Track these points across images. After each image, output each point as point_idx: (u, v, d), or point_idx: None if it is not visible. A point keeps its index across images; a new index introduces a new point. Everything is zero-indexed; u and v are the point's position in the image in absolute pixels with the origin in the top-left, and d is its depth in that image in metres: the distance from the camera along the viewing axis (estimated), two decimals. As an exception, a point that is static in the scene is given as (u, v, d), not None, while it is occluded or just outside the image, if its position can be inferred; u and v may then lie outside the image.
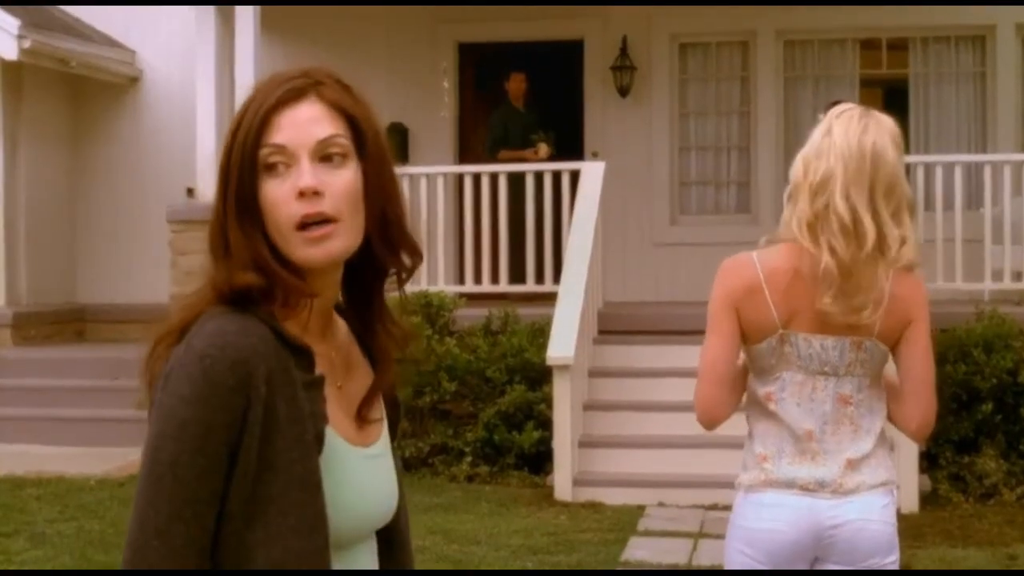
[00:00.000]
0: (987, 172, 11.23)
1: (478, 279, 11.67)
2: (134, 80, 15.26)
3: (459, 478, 10.08)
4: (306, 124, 2.00)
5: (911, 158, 11.79)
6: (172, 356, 2.00)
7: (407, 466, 9.72)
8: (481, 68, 14.80)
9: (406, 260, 2.13)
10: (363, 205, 2.04)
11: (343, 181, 2.01)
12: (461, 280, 11.89)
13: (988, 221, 11.15)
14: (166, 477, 1.92)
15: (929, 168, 11.39)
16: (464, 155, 14.29)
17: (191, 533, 1.92)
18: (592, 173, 11.29)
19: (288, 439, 1.95)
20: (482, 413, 10.22)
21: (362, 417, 2.12)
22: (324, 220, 1.98)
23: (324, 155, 2.01)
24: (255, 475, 1.94)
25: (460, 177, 12.19)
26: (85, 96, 15.22)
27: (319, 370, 2.04)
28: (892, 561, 3.52)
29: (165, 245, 12.73)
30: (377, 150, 2.06)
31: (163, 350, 2.04)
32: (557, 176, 11.68)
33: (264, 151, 2.00)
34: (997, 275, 11.11)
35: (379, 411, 2.18)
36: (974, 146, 13.70)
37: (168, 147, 14.85)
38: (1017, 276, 11.06)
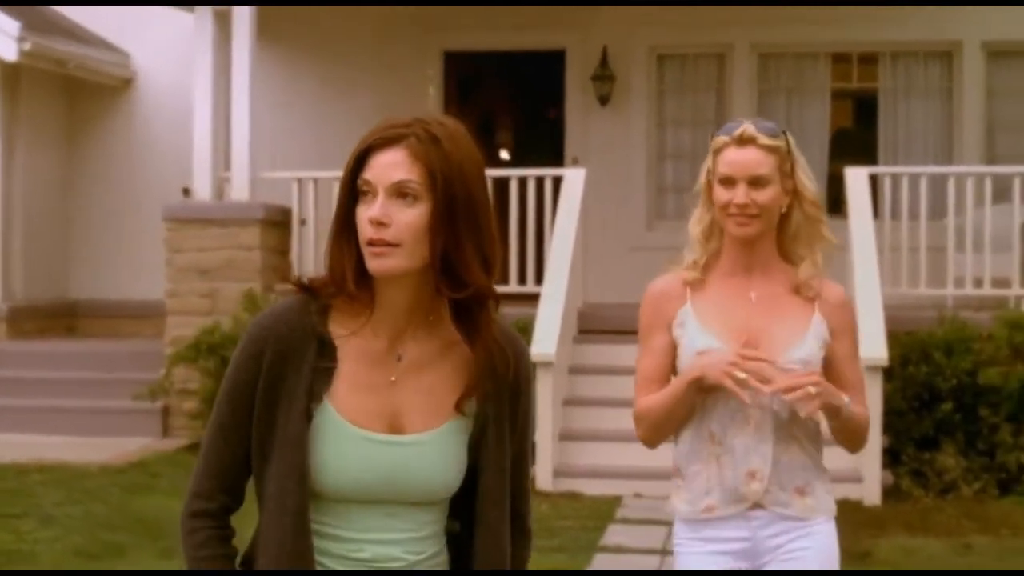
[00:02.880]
0: (951, 183, 11.74)
1: (463, 279, 12.11)
2: (128, 82, 15.67)
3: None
4: (389, 167, 2.44)
5: (878, 169, 12.34)
6: None
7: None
8: (466, 76, 15.26)
9: (470, 294, 2.51)
10: (427, 238, 2.45)
11: (408, 217, 2.43)
12: (447, 280, 12.34)
13: (951, 230, 11.65)
14: (213, 412, 2.60)
15: (896, 179, 11.90)
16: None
17: (219, 454, 2.57)
18: (574, 179, 11.77)
19: (287, 406, 2.50)
20: (467, 407, 10.68)
21: (400, 410, 2.56)
22: (386, 244, 2.44)
23: (399, 193, 2.44)
24: (264, 427, 2.52)
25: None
26: (80, 97, 15.62)
27: (349, 359, 2.55)
28: None
29: (157, 243, 13.16)
30: (448, 198, 2.45)
31: None
32: (540, 181, 12.15)
33: (359, 181, 2.47)
34: (959, 282, 11.61)
35: (440, 409, 2.57)
36: (940, 158, 14.20)
37: (161, 148, 15.26)
38: (978, 283, 11.56)
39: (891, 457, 10.31)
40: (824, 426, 3.68)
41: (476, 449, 2.62)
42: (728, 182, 3.63)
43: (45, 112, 15.34)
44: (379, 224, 2.43)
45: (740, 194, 3.60)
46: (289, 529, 2.51)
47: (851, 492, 9.56)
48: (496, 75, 14.90)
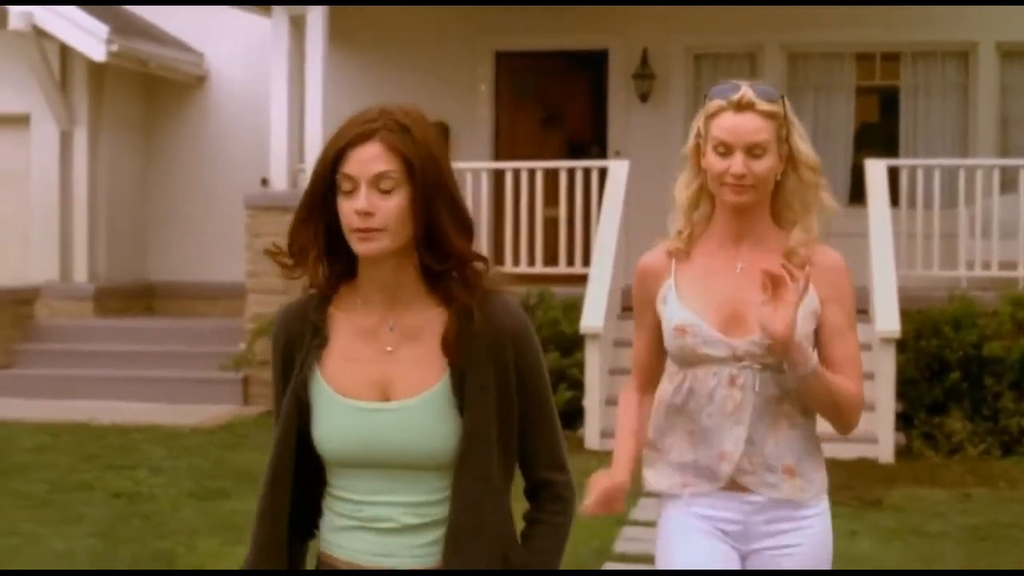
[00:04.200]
0: (962, 175, 12.83)
1: (516, 261, 13.29)
2: (201, 79, 16.88)
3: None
4: (368, 161, 2.61)
5: (896, 161, 13.42)
6: None
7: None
8: (515, 74, 16.40)
9: (456, 263, 2.70)
10: (410, 220, 2.65)
11: (391, 204, 2.62)
12: (501, 262, 13.49)
13: (963, 218, 12.74)
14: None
15: (912, 170, 12.99)
16: (500, 151, 15.94)
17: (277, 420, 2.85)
18: (618, 171, 12.90)
19: (290, 382, 2.78)
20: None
21: (388, 379, 2.73)
22: (373, 230, 2.63)
23: (379, 183, 2.62)
24: (279, 404, 2.83)
25: (501, 172, 13.79)
26: (157, 93, 16.85)
27: (341, 336, 2.77)
28: None
29: (229, 228, 14.40)
30: (424, 180, 2.63)
31: None
32: (587, 172, 13.30)
33: (340, 177, 2.65)
34: (970, 265, 12.71)
35: (427, 376, 2.72)
36: (957, 150, 15.27)
37: (230, 141, 16.50)
38: (986, 266, 12.64)
39: (904, 421, 11.42)
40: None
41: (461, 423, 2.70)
42: (724, 149, 3.44)
43: (126, 107, 16.58)
44: (366, 215, 2.61)
45: (737, 163, 3.41)
46: (268, 495, 2.79)
47: (867, 452, 10.72)
48: (544, 74, 16.04)
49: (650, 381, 3.76)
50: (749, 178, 3.42)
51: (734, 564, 3.55)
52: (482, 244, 13.37)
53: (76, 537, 8.06)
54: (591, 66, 16.08)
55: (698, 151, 3.55)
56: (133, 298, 16.45)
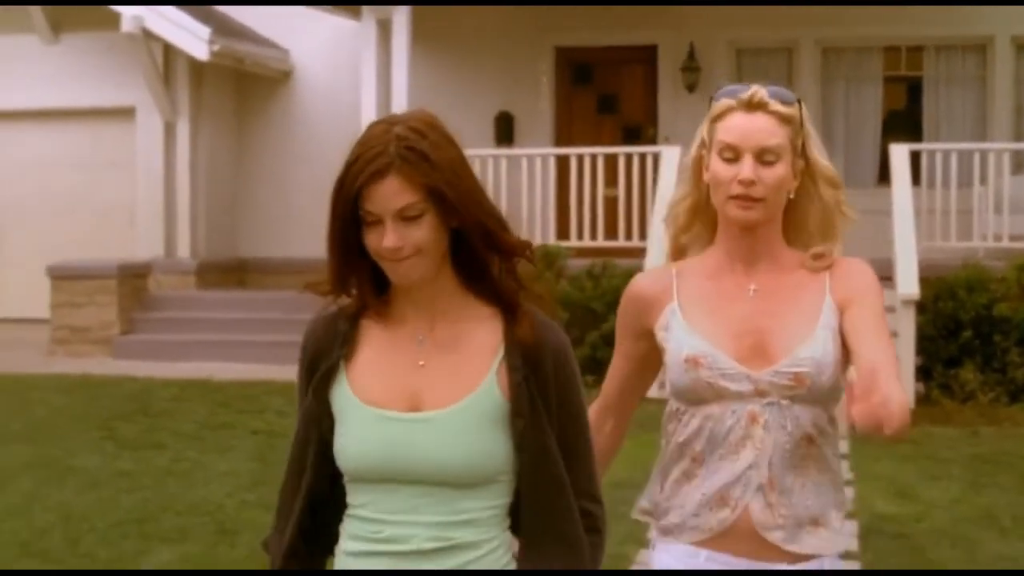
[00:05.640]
0: (976, 157, 14.44)
1: (580, 235, 14.97)
2: (287, 74, 18.60)
3: (570, 385, 13.36)
4: (388, 197, 2.49)
5: (917, 146, 15.03)
6: None
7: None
8: (573, 67, 18.08)
9: (500, 256, 2.62)
10: (441, 237, 2.56)
11: (420, 233, 2.51)
12: (567, 236, 15.16)
13: (976, 196, 14.38)
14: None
15: (931, 154, 14.60)
16: (559, 138, 17.62)
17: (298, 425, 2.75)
18: (670, 156, 14.53)
19: (312, 390, 2.67)
20: (587, 336, 13.50)
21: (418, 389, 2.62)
22: (406, 258, 2.53)
23: (404, 215, 2.50)
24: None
25: (566, 157, 15.46)
26: (248, 87, 18.59)
27: (372, 347, 2.67)
28: None
29: (313, 209, 15.89)
30: (449, 201, 2.52)
31: None
32: (642, 156, 14.97)
33: (362, 213, 2.52)
34: (983, 237, 14.37)
35: (465, 385, 2.61)
36: (976, 135, 16.79)
37: (313, 129, 18.24)
38: (998, 238, 14.28)
39: (923, 373, 13.04)
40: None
41: (521, 433, 2.58)
42: (731, 154, 2.99)
43: (222, 100, 18.36)
44: (396, 249, 2.53)
45: (746, 168, 2.96)
46: (282, 516, 2.77)
47: (891, 399, 12.33)
48: (599, 67, 17.74)
49: (620, 412, 3.32)
50: (759, 188, 2.96)
51: None
52: (549, 221, 15.07)
53: (235, 461, 9.81)
54: (642, 59, 17.73)
55: (700, 163, 3.10)
56: (228, 272, 18.20)
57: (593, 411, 3.17)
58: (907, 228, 13.20)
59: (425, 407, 2.59)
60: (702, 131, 3.09)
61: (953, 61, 17.31)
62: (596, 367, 13.30)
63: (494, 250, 2.59)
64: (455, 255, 2.62)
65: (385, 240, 2.50)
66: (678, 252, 3.20)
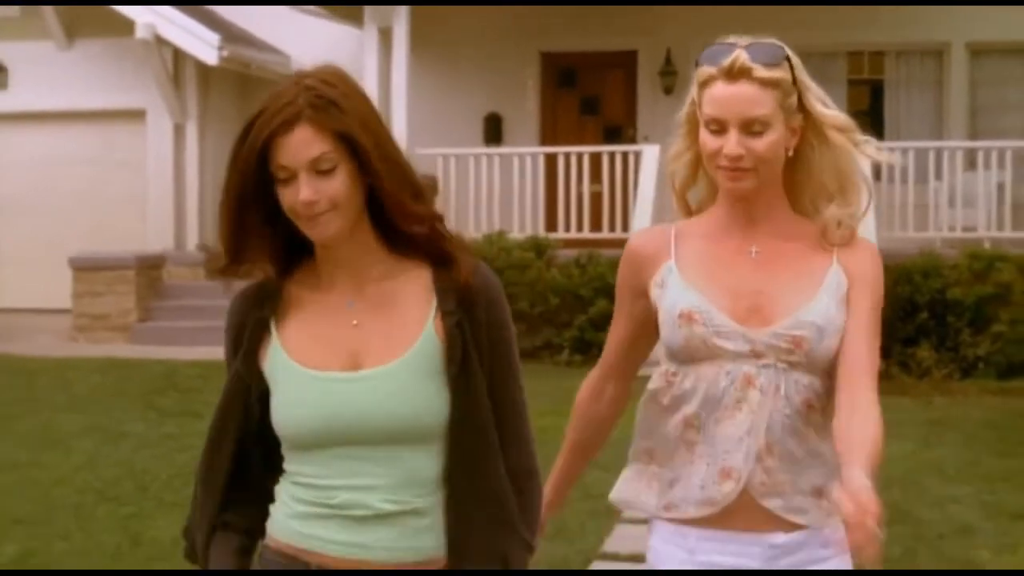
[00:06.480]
0: (931, 155, 15.67)
1: (567, 228, 16.14)
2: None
3: (560, 364, 14.45)
4: (300, 147, 2.44)
5: (882, 144, 16.19)
6: None
7: (526, 355, 14.05)
8: (558, 71, 19.24)
9: (411, 222, 2.53)
10: (358, 193, 2.50)
11: (334, 185, 2.46)
12: (555, 229, 16.30)
13: (931, 190, 15.62)
14: None
15: (891, 152, 15.73)
16: (544, 137, 18.79)
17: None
18: (650, 154, 15.71)
19: (242, 355, 2.62)
20: (575, 319, 14.65)
21: (356, 349, 2.54)
22: (320, 213, 2.47)
23: (317, 167, 2.45)
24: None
25: (553, 155, 16.61)
26: (252, 90, 19.38)
27: (302, 311, 2.61)
28: None
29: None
30: (361, 151, 2.46)
31: None
32: (624, 155, 16.14)
33: (273, 167, 2.46)
34: (938, 227, 15.62)
35: (402, 341, 2.54)
36: (934, 134, 17.95)
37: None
38: (951, 228, 15.53)
39: (883, 352, 14.04)
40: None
41: (454, 379, 2.51)
42: (717, 127, 2.86)
43: (227, 103, 19.41)
44: (311, 203, 2.43)
45: (732, 143, 2.83)
46: (203, 489, 2.71)
47: (853, 374, 13.51)
48: (582, 71, 18.92)
49: (621, 376, 3.21)
50: (747, 160, 2.84)
51: None
52: (539, 215, 16.24)
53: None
54: (623, 64, 18.88)
55: (693, 118, 2.99)
56: (230, 264, 19.21)
57: (592, 378, 3.21)
58: (868, 219, 14.12)
59: (365, 366, 2.52)
60: (692, 92, 2.98)
61: (912, 65, 18.54)
62: (585, 348, 14.52)
63: (397, 213, 2.52)
64: (375, 216, 2.56)
65: (301, 194, 2.44)
66: (687, 211, 3.11)
